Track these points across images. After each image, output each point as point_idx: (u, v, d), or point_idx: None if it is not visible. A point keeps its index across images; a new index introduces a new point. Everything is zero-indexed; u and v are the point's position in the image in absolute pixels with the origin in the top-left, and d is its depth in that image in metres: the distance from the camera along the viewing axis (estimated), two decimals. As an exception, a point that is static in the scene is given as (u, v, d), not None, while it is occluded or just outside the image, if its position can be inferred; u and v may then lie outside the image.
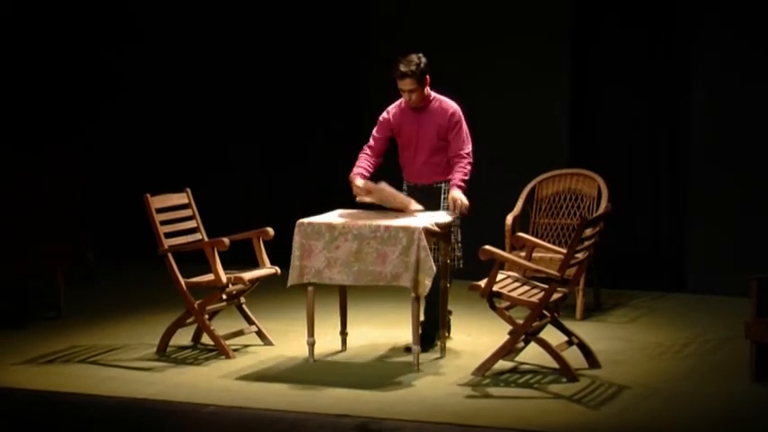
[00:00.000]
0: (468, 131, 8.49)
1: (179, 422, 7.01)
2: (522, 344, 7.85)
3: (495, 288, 7.74)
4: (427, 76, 8.36)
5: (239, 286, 8.42)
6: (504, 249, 9.00)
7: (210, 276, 8.27)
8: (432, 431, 6.76)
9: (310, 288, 8.02)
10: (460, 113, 8.47)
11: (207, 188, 10.37)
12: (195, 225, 8.62)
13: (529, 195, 9.95)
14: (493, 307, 7.76)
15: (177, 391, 7.45)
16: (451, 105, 8.47)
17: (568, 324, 8.21)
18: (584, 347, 8.03)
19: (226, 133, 11.84)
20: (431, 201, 8.44)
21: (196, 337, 8.65)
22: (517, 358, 8.02)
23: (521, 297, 7.82)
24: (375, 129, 8.58)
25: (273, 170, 11.74)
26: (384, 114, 8.58)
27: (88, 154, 11.37)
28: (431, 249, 7.82)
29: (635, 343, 8.72)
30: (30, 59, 11.91)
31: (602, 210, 9.10)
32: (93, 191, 11.30)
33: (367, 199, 8.29)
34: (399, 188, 8.53)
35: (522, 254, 8.51)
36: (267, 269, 8.57)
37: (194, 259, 8.59)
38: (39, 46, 11.92)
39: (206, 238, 8.54)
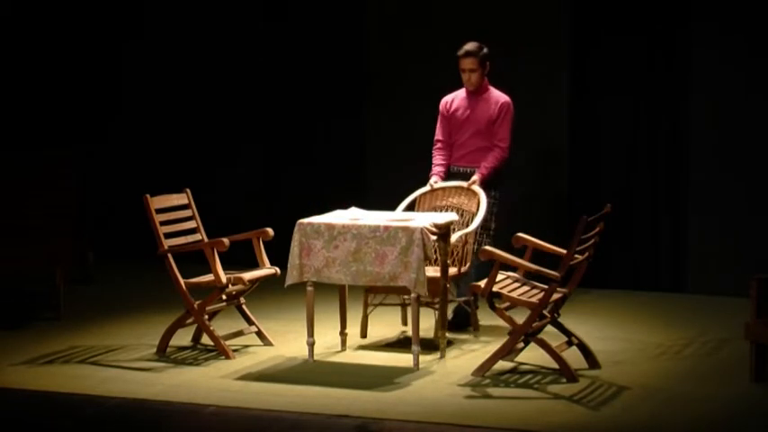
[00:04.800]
0: (511, 127, 8.98)
1: (179, 422, 7.01)
2: (521, 344, 7.85)
3: (494, 288, 7.74)
4: (487, 63, 8.99)
5: (239, 287, 8.41)
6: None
7: (210, 277, 8.27)
8: (432, 431, 6.76)
9: (310, 288, 8.01)
10: (510, 106, 9.04)
11: (207, 188, 10.38)
12: (195, 225, 8.62)
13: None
14: (493, 307, 7.75)
15: (177, 392, 7.45)
16: (503, 96, 9.05)
17: (568, 324, 8.21)
18: (583, 348, 8.03)
19: (226, 134, 11.83)
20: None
21: (196, 338, 8.65)
22: (517, 358, 8.02)
23: (521, 297, 7.81)
24: (438, 122, 9.15)
25: (273, 171, 11.73)
26: (441, 105, 9.17)
27: (88, 154, 11.37)
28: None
29: (635, 343, 8.72)
30: (30, 60, 11.91)
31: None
32: (93, 191, 11.30)
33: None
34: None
35: (522, 254, 8.50)
36: (267, 270, 8.56)
37: (194, 259, 8.58)
38: (39, 46, 11.92)
39: (206, 239, 8.54)
